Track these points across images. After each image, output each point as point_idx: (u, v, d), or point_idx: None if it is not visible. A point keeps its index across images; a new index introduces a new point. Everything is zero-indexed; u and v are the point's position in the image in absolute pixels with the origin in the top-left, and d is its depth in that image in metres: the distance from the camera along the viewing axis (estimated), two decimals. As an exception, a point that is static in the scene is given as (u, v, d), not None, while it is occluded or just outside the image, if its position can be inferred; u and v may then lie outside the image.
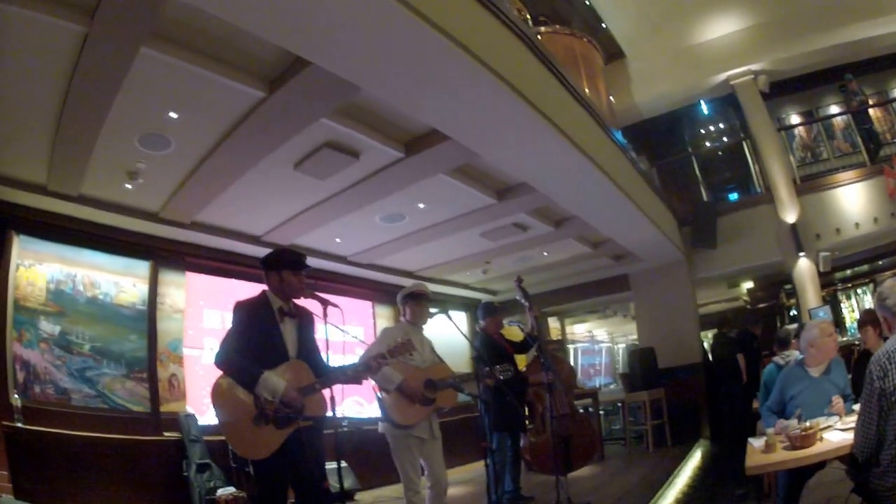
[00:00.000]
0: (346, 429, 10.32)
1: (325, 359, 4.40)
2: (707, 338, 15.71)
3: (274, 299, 4.41)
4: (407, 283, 6.36)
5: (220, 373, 4.18)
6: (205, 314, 9.85)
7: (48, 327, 7.97)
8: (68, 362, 8.05)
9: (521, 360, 8.33)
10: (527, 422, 8.22)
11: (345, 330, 4.39)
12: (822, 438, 4.32)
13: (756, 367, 11.96)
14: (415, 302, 5.95)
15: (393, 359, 4.80)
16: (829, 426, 4.56)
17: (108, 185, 7.84)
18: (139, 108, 6.24)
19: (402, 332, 5.71)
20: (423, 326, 6.05)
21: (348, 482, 9.39)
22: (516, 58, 6.52)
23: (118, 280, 8.84)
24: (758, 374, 11.78)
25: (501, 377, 6.33)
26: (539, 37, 9.22)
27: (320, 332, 4.37)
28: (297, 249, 10.13)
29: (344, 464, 9.30)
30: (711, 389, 13.33)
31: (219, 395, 4.14)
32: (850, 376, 5.80)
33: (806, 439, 4.27)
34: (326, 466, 4.35)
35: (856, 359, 7.04)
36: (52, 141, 6.58)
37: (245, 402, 4.04)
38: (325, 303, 4.29)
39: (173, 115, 6.44)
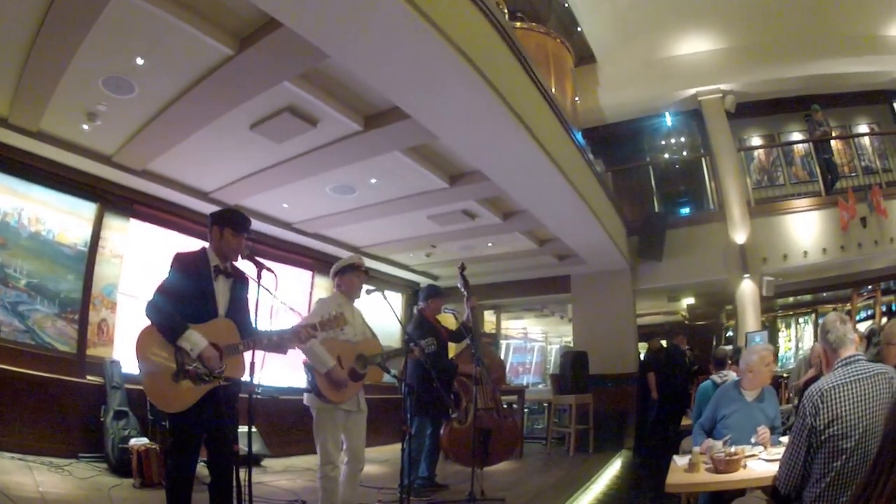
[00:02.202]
0: (259, 395, 10.61)
1: (253, 322, 4.60)
2: (644, 349, 16.22)
3: (213, 256, 4.69)
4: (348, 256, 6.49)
5: (148, 324, 4.36)
6: (143, 263, 9.89)
7: (-12, 258, 8.19)
8: (3, 295, 8.25)
9: (453, 350, 8.55)
10: (451, 411, 8.23)
11: (276, 295, 4.58)
12: (745, 466, 4.50)
13: (681, 383, 12.57)
14: (351, 274, 6.07)
15: (324, 332, 5.03)
16: (753, 455, 4.75)
17: (66, 123, 7.99)
18: (108, 50, 6.39)
19: (336, 304, 5.84)
20: (356, 299, 6.19)
21: (257, 447, 9.61)
22: (487, 44, 6.79)
23: (63, 219, 9.00)
24: (680, 391, 12.42)
25: (427, 350, 6.49)
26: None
27: (254, 294, 4.55)
28: (243, 210, 10.37)
29: (254, 429, 9.63)
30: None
31: (143, 346, 4.30)
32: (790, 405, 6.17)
33: (730, 464, 4.43)
34: (238, 430, 4.60)
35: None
36: (19, 75, 6.76)
37: (167, 356, 4.25)
38: (260, 266, 4.53)
39: (140, 61, 6.61)
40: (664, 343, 14.38)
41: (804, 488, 3.66)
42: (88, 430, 8.43)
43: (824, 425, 3.50)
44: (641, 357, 14.68)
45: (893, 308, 15.42)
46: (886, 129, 15.73)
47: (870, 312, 15.58)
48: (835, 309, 16.10)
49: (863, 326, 13.17)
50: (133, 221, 10.07)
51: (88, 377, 8.87)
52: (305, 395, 5.81)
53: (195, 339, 4.28)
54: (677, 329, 16.33)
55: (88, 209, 9.38)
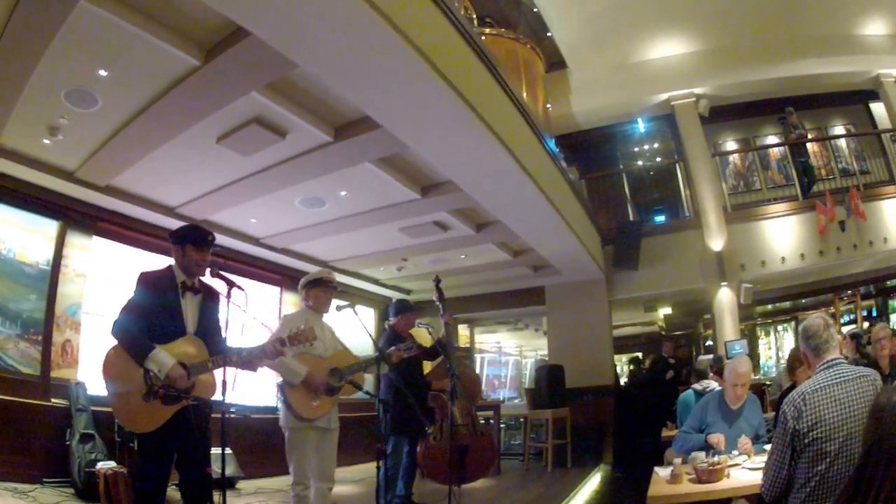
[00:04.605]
0: (233, 415, 10.39)
1: (224, 339, 4.60)
2: (620, 361, 16.31)
3: (179, 274, 4.69)
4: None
5: (114, 343, 4.36)
6: (108, 282, 9.80)
7: (-53, 278, 8.10)
8: (-38, 316, 8.17)
9: (427, 366, 8.51)
10: (427, 428, 8.12)
11: (247, 311, 4.55)
12: (728, 475, 4.56)
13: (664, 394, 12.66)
14: (320, 289, 6.12)
15: (293, 345, 5.03)
16: (737, 464, 4.84)
17: (27, 138, 7.88)
18: (70, 62, 6.34)
19: (304, 319, 5.82)
20: (325, 314, 6.23)
21: (231, 469, 9.48)
22: (455, 52, 6.86)
23: (24, 237, 8.92)
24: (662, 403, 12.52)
25: (406, 354, 6.53)
26: (483, 38, 9.63)
27: (224, 311, 4.58)
28: (210, 226, 10.23)
29: (228, 450, 9.59)
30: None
31: (110, 366, 4.32)
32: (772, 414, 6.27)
33: (713, 474, 4.48)
34: (211, 451, 4.61)
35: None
36: (-23, 87, 6.70)
37: (135, 376, 4.22)
38: (229, 283, 4.48)
39: (103, 73, 6.58)
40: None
41: (789, 494, 3.67)
42: (54, 454, 8.36)
43: (807, 428, 3.52)
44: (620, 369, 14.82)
45: (874, 312, 15.62)
46: (863, 129, 16.03)
47: (851, 317, 15.75)
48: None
49: (845, 330, 13.30)
50: (96, 239, 9.99)
51: (53, 400, 8.77)
52: (280, 415, 5.84)
53: (160, 360, 4.26)
54: (662, 338, 16.47)
55: (50, 227, 9.30)
